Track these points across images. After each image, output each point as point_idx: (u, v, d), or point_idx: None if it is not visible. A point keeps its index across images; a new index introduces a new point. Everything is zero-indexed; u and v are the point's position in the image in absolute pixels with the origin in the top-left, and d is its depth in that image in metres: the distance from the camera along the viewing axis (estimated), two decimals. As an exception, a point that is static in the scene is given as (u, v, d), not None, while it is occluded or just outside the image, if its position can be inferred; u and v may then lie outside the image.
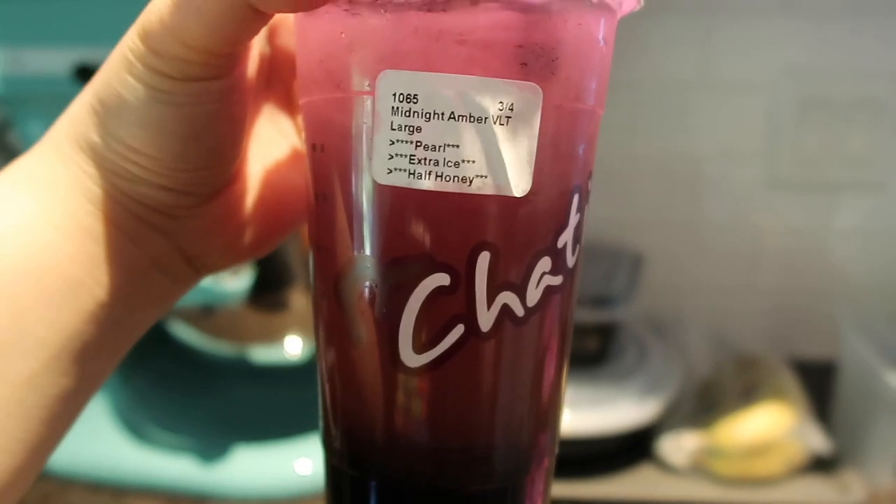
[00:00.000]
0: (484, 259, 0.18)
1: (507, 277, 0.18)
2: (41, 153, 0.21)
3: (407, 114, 0.17)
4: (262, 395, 0.65)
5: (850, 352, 0.61)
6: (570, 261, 0.20)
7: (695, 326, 0.68)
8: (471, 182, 0.17)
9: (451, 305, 0.18)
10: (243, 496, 0.54)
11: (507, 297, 0.18)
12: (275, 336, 0.57)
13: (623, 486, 0.56)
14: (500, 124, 0.17)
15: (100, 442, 0.57)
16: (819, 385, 0.64)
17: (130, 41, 0.18)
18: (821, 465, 0.59)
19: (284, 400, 0.64)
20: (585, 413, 0.56)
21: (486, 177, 0.17)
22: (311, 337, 0.57)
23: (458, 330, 0.18)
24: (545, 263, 0.19)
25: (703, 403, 0.62)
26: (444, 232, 0.18)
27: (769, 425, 0.56)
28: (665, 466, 0.58)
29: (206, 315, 0.55)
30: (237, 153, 0.22)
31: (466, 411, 0.19)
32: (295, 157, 0.25)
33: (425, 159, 0.17)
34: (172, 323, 0.57)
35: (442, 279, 0.18)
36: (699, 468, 0.57)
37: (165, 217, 0.21)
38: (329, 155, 0.19)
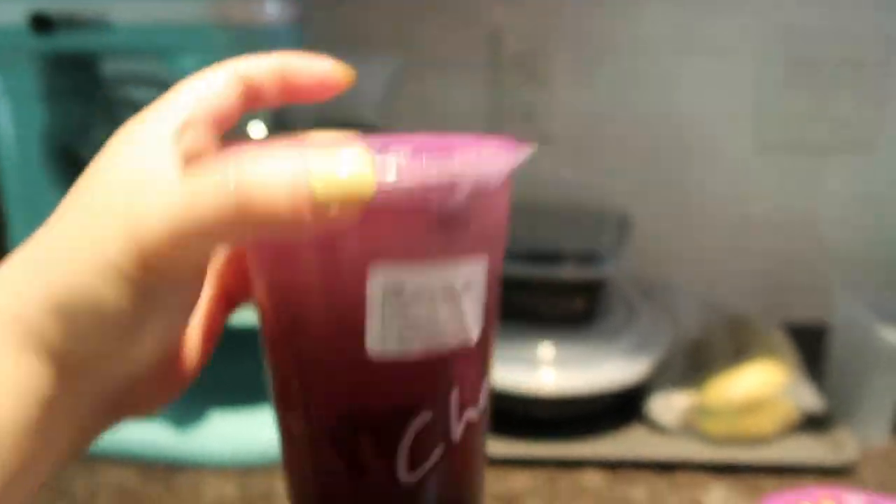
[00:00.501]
0: (455, 394, 0.23)
1: (469, 399, 0.23)
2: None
3: (395, 299, 0.21)
4: (235, 360, 0.63)
5: (841, 311, 0.60)
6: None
7: (684, 289, 0.67)
8: (447, 342, 0.22)
9: (434, 433, 0.23)
10: (217, 463, 0.52)
11: (469, 412, 0.23)
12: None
13: (613, 447, 0.55)
14: (464, 291, 0.21)
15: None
16: (811, 347, 0.63)
17: (120, 256, 0.18)
18: (813, 424, 0.57)
19: (257, 364, 0.62)
20: (573, 372, 0.55)
21: (457, 335, 0.22)
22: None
23: (441, 448, 0.23)
24: (488, 378, 0.24)
25: (694, 364, 0.60)
26: (428, 382, 0.22)
27: (760, 384, 0.54)
28: (655, 426, 0.57)
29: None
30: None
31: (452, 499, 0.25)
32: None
33: (412, 332, 0.21)
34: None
35: (426, 416, 0.22)
36: (689, 427, 0.56)
37: (117, 394, 0.21)
38: (314, 327, 0.22)
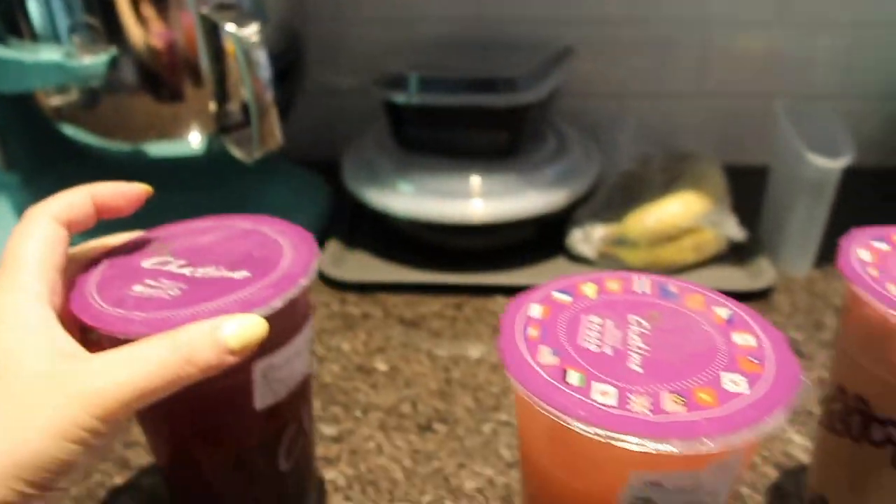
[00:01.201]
0: (307, 405, 0.34)
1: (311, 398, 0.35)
2: None
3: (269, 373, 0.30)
4: (169, 194, 0.64)
5: (779, 140, 0.58)
6: None
7: (628, 126, 0.65)
8: (298, 379, 0.32)
9: (298, 433, 0.33)
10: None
11: (309, 408, 0.35)
12: (170, 130, 0.55)
13: (534, 277, 0.56)
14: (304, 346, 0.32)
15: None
16: (755, 188, 0.61)
17: (79, 419, 0.22)
18: (737, 254, 0.57)
19: (192, 197, 0.63)
20: (495, 201, 0.55)
21: (302, 372, 0.32)
22: (208, 129, 0.54)
23: (301, 440, 0.34)
24: None
25: (626, 197, 0.60)
26: (294, 406, 0.32)
27: (676, 213, 0.54)
28: (576, 257, 0.57)
29: (90, 111, 0.53)
30: None
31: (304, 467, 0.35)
32: None
33: (280, 385, 0.31)
34: (63, 125, 0.55)
35: (294, 426, 0.33)
36: (609, 258, 0.56)
37: None
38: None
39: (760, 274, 0.55)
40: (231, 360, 0.24)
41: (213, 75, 0.52)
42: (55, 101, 0.53)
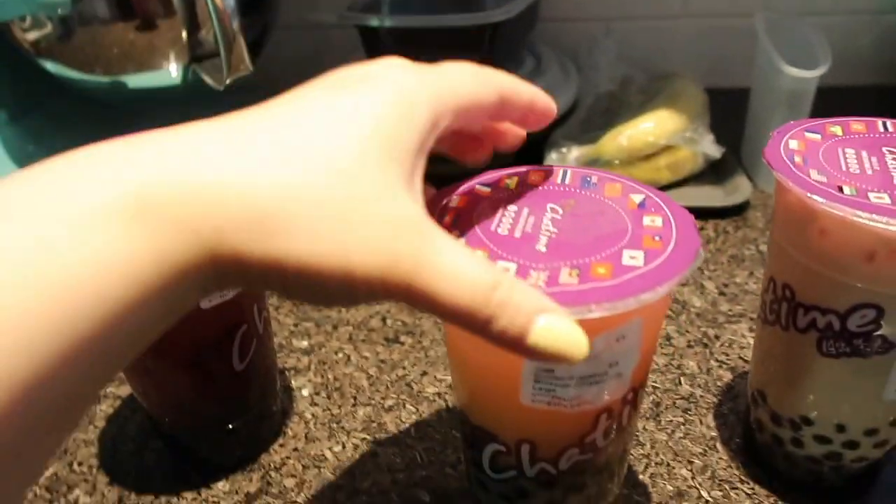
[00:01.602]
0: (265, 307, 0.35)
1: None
2: (165, 223, 0.16)
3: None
4: (154, 125, 0.65)
5: (758, 56, 0.57)
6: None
7: (609, 48, 0.63)
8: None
9: (250, 336, 0.34)
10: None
11: (265, 312, 0.35)
12: (146, 61, 0.55)
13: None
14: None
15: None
16: (740, 109, 0.61)
17: (373, 281, 0.18)
18: (715, 172, 0.57)
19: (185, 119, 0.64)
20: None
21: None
22: (183, 59, 0.55)
23: (254, 343, 0.34)
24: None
25: (605, 118, 0.59)
26: (238, 311, 0.33)
27: (649, 131, 0.53)
28: (552, 179, 0.57)
29: (66, 44, 0.54)
30: None
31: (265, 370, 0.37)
32: None
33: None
34: (42, 60, 0.56)
35: (244, 328, 0.33)
36: (585, 178, 0.56)
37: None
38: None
39: (736, 190, 0.54)
40: (513, 349, 0.19)
41: (181, 3, 0.52)
42: (31, 35, 0.54)
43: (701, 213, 0.53)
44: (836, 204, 0.25)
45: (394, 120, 0.19)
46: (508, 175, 0.28)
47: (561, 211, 0.25)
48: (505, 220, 0.24)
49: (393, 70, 0.20)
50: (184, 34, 0.54)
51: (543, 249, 0.23)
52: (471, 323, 0.18)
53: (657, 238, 0.23)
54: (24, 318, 0.14)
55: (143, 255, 0.16)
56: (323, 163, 0.18)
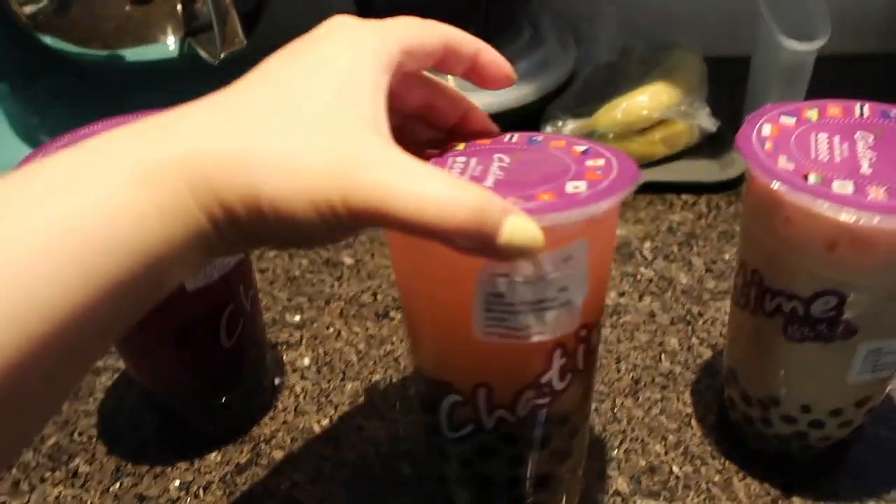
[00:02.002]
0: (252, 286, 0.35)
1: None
2: (164, 177, 0.20)
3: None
4: (152, 102, 0.65)
5: (759, 27, 0.56)
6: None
7: (609, 17, 0.63)
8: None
9: (238, 314, 0.35)
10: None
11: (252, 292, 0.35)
12: (142, 34, 0.55)
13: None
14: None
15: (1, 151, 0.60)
16: (742, 79, 0.60)
17: (333, 197, 0.20)
18: (711, 145, 0.57)
19: (173, 103, 0.65)
20: (466, 94, 0.55)
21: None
22: (181, 30, 0.55)
23: (241, 321, 0.35)
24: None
25: (603, 90, 0.59)
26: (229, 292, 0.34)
27: (644, 104, 0.53)
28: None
29: (63, 17, 0.54)
30: None
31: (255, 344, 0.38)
32: None
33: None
34: (40, 34, 0.56)
35: (232, 306, 0.34)
36: (579, 152, 0.56)
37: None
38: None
39: (732, 164, 0.54)
40: (483, 249, 0.20)
41: (176, -23, 0.53)
42: (28, 9, 0.55)
43: (695, 188, 0.53)
44: (799, 193, 0.25)
45: (348, 65, 0.22)
46: (457, 141, 0.28)
47: (508, 160, 0.26)
48: (454, 169, 0.25)
49: (340, 25, 0.23)
50: (178, 7, 0.54)
51: (491, 185, 0.24)
52: (441, 226, 0.19)
53: (599, 172, 0.24)
54: (61, 254, 0.18)
55: (149, 209, 0.19)
56: (291, 116, 0.21)
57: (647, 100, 0.53)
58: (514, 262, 0.23)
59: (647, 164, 0.55)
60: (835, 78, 0.55)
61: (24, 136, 0.61)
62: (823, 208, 0.24)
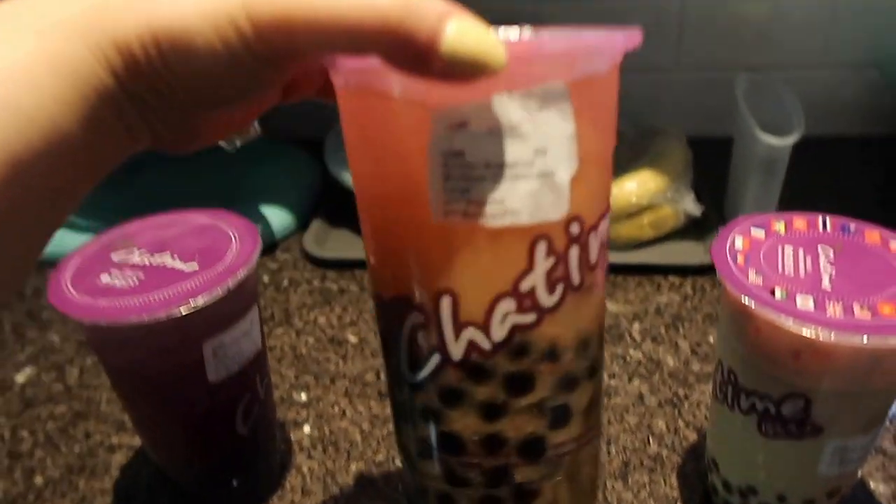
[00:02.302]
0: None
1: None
2: (68, 32, 0.18)
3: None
4: (170, 179, 0.69)
5: (737, 116, 0.60)
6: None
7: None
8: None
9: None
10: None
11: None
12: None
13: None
14: None
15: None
16: (725, 159, 0.64)
17: (234, 12, 0.17)
18: (697, 227, 0.60)
19: (186, 184, 0.68)
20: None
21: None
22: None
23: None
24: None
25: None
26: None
27: (632, 191, 0.56)
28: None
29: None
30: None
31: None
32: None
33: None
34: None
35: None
36: (572, 233, 0.59)
37: (162, 120, 0.21)
38: None
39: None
40: (422, 64, 0.17)
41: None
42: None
43: (680, 271, 0.56)
44: (765, 308, 0.28)
45: None
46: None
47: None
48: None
49: None
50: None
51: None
52: (362, 23, 0.17)
53: None
54: None
55: (39, 67, 0.18)
56: None
57: (636, 187, 0.57)
58: (472, 104, 0.19)
59: (635, 245, 0.59)
60: (812, 160, 0.58)
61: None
62: (788, 323, 0.27)
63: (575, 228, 0.21)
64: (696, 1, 0.72)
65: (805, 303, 0.28)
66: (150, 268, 0.33)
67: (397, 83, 0.19)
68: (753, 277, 0.29)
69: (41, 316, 0.56)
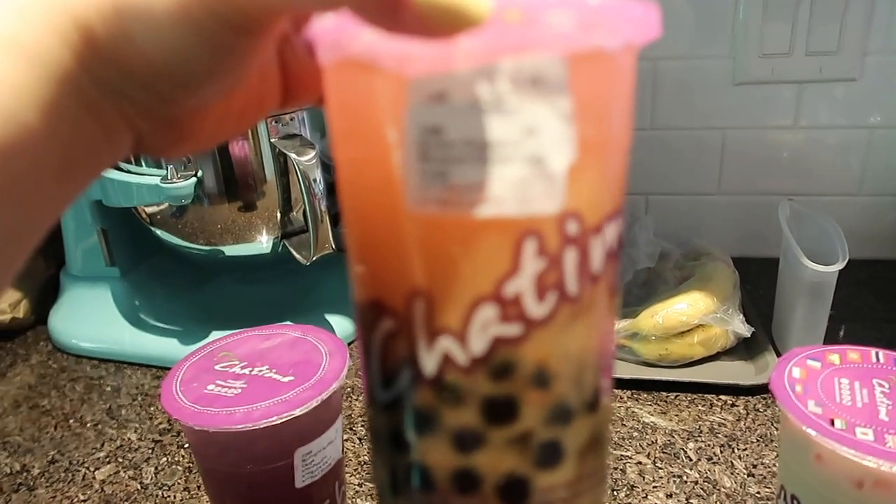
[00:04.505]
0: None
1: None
2: (23, 11, 0.17)
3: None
4: (241, 285, 0.74)
5: (783, 242, 0.63)
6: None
7: (647, 224, 0.71)
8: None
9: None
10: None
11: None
12: (243, 235, 0.64)
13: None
14: None
15: (105, 327, 0.68)
16: (772, 279, 0.66)
17: None
18: (746, 346, 0.62)
19: (256, 291, 0.73)
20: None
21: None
22: (274, 234, 0.63)
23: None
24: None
25: (644, 292, 0.65)
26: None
27: (683, 311, 0.59)
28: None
29: (178, 219, 0.63)
30: (243, 85, 0.21)
31: None
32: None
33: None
34: (155, 229, 0.66)
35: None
36: (624, 349, 0.62)
37: (138, 110, 0.19)
38: None
39: (766, 368, 0.59)
40: (391, 18, 0.15)
41: (279, 190, 0.62)
42: (151, 209, 0.64)
43: (732, 390, 0.58)
44: (826, 439, 0.30)
45: None
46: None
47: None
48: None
49: None
50: (277, 214, 0.63)
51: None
52: None
53: None
54: None
55: None
56: None
57: (687, 307, 0.59)
58: (453, 73, 0.17)
59: (687, 364, 0.61)
60: (855, 283, 0.61)
61: (126, 315, 0.68)
62: (850, 454, 0.29)
63: (572, 227, 0.18)
64: (735, 133, 0.77)
65: (865, 434, 0.30)
66: (250, 378, 0.37)
67: (375, 50, 0.17)
68: (813, 407, 0.32)
69: (120, 414, 0.60)
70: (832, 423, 0.31)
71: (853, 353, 0.35)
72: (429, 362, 0.19)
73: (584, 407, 0.20)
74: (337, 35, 0.18)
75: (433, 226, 0.18)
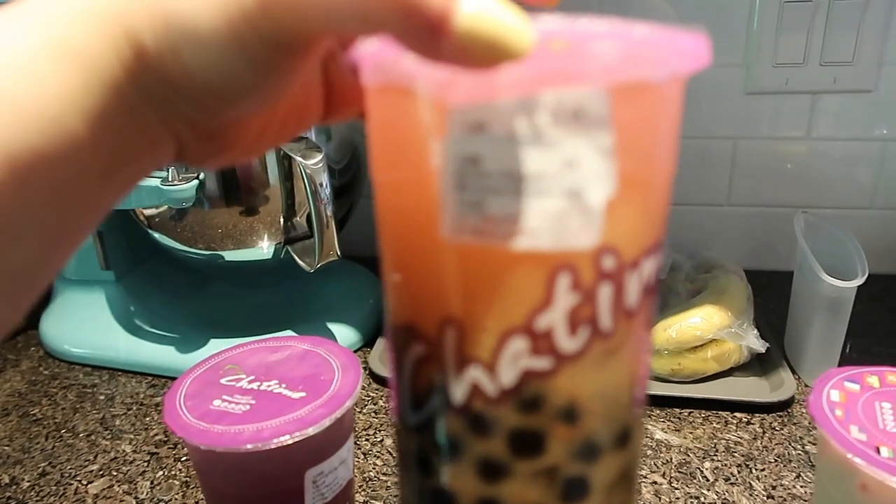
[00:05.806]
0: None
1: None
2: (75, 18, 0.18)
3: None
4: (241, 290, 0.72)
5: (799, 255, 0.61)
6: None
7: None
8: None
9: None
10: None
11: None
12: (243, 239, 0.62)
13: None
14: None
15: (99, 332, 0.66)
16: (785, 292, 0.65)
17: (247, 6, 0.16)
18: (760, 363, 0.60)
19: (256, 297, 0.71)
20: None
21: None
22: (276, 239, 0.61)
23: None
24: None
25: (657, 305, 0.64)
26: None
27: (697, 326, 0.57)
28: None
29: (177, 222, 0.61)
30: (285, 99, 0.21)
31: None
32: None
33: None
34: (153, 232, 0.64)
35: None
36: (636, 364, 0.60)
37: (182, 121, 0.20)
38: None
39: (781, 385, 0.57)
40: (431, 43, 0.15)
41: (282, 194, 0.60)
42: (149, 212, 0.62)
43: (747, 407, 0.56)
44: (874, 468, 0.28)
45: None
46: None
47: None
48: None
49: None
50: (280, 219, 0.61)
51: None
52: (374, 4, 0.15)
53: None
54: None
55: (41, 46, 0.17)
56: None
57: (701, 321, 0.58)
58: (493, 103, 0.17)
59: (699, 379, 0.59)
60: (873, 298, 0.59)
61: (121, 321, 0.66)
62: (898, 484, 0.27)
63: (608, 262, 0.18)
64: (746, 143, 0.76)
65: (913, 463, 0.28)
66: (259, 393, 0.35)
67: (418, 77, 0.17)
68: (857, 434, 0.30)
69: (114, 424, 0.57)
70: (878, 450, 0.29)
71: (892, 375, 0.34)
72: (457, 390, 0.19)
73: (613, 443, 0.20)
74: (380, 58, 0.18)
75: (467, 255, 0.18)
